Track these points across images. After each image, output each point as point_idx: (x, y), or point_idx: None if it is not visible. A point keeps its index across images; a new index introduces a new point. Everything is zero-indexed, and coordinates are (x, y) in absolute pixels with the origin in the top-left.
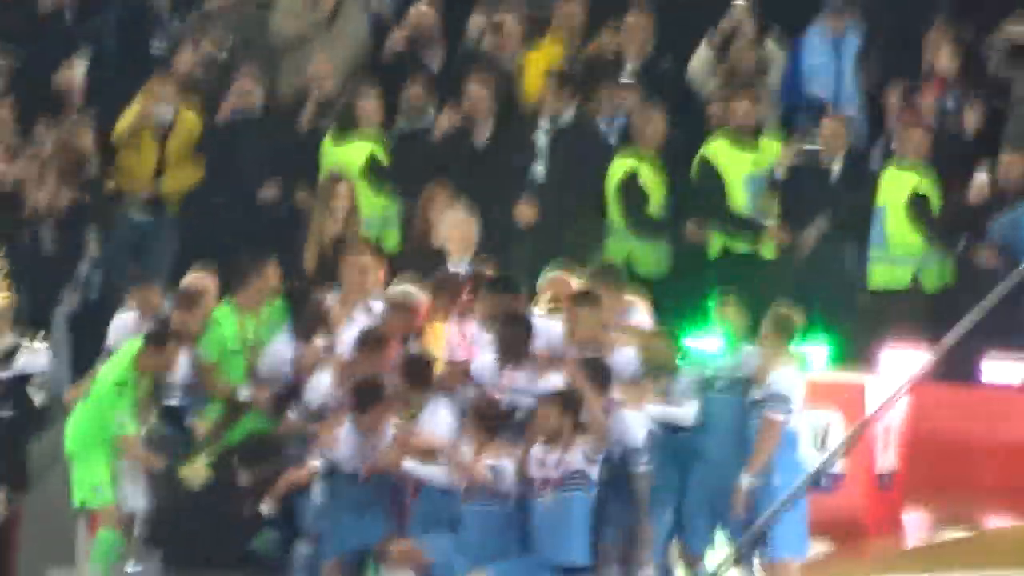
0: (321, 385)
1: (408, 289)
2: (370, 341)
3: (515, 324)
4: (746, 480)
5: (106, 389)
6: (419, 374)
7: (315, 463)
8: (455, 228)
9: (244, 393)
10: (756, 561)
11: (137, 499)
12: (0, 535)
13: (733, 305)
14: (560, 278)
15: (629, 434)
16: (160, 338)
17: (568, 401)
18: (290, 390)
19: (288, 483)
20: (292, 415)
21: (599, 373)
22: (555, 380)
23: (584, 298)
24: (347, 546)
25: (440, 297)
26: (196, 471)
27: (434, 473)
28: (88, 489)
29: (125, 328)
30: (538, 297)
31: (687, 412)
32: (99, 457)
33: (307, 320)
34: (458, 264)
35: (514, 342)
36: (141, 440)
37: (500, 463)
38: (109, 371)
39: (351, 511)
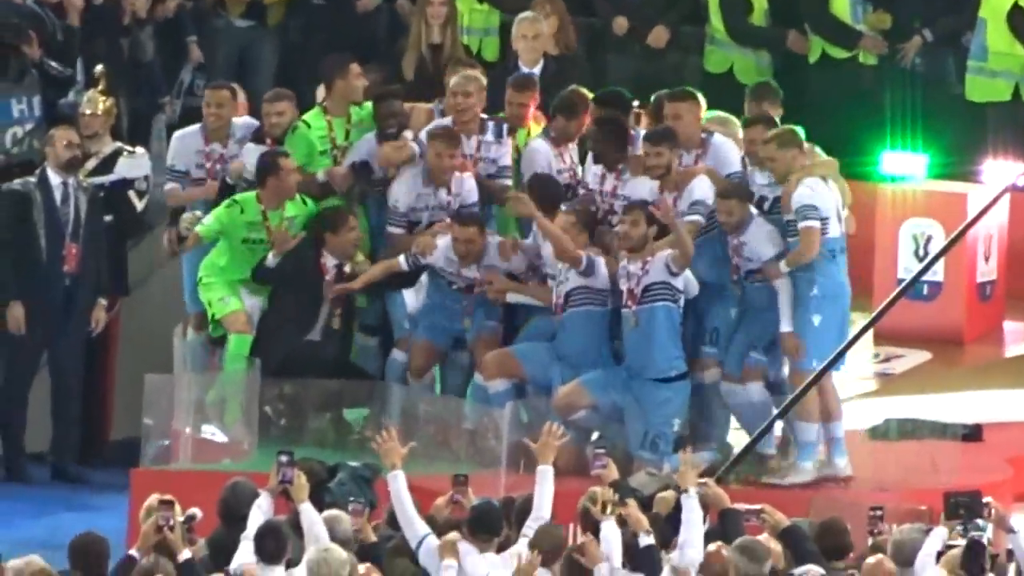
0: (403, 190)
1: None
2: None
3: (614, 130)
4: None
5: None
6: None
7: (401, 260)
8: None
9: (321, 176)
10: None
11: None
12: (99, 342)
13: None
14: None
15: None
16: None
17: (650, 216)
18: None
19: (379, 270)
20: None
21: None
22: (643, 188)
23: (683, 95)
24: (441, 335)
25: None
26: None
27: (537, 295)
28: (218, 302)
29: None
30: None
31: None
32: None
33: (387, 121)
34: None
35: (611, 148)
36: None
37: (596, 258)
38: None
39: (446, 310)
